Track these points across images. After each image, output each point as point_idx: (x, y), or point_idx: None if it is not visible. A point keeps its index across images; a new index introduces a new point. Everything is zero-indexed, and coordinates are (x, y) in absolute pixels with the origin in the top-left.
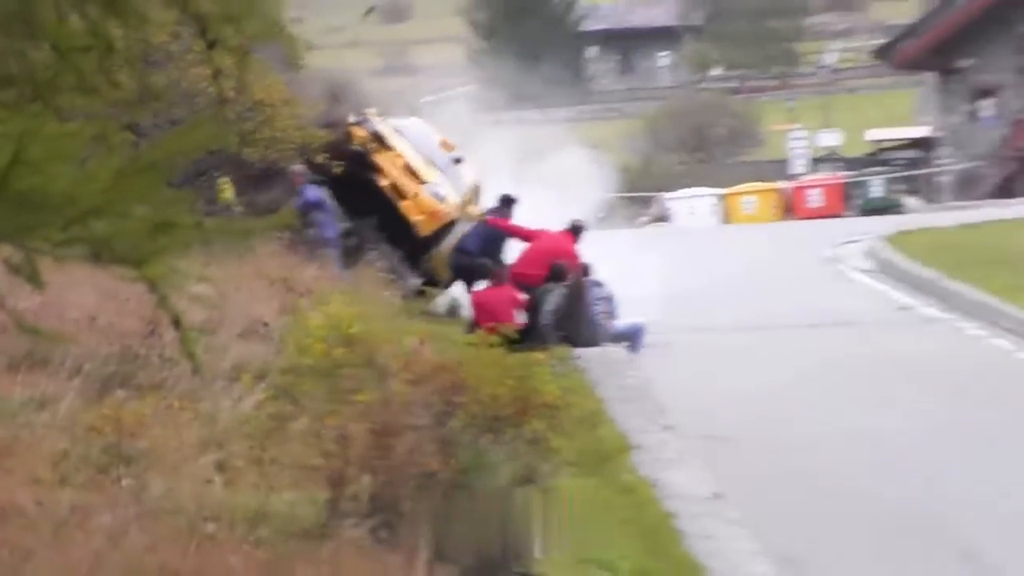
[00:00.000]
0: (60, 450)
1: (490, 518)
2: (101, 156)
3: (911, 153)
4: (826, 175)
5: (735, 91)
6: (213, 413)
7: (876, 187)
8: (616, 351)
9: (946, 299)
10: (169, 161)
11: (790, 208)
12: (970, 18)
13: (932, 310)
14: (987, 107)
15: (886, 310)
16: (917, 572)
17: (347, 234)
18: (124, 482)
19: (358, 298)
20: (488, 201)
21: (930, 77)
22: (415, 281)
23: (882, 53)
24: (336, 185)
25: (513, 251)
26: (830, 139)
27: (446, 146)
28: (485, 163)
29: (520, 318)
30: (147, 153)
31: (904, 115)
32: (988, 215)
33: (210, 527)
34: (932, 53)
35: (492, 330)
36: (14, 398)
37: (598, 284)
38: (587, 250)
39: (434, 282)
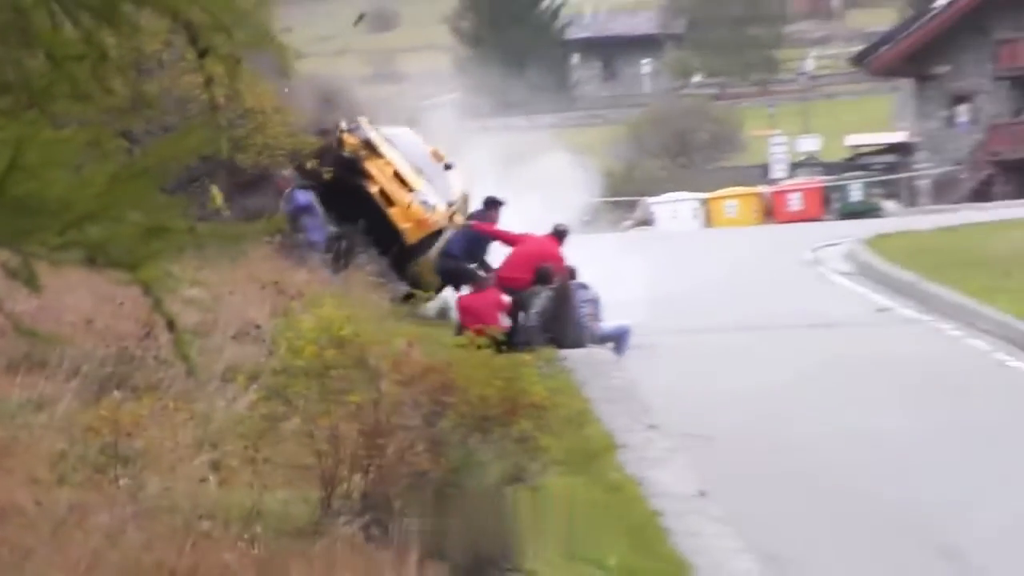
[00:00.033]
0: (58, 450)
1: (480, 516)
2: (96, 162)
3: (889, 158)
4: (806, 180)
5: (716, 97)
6: (208, 414)
7: (855, 191)
8: (602, 353)
9: (924, 301)
10: (162, 167)
11: (771, 212)
12: (946, 26)
13: (910, 312)
14: (963, 113)
15: (866, 312)
16: (899, 569)
17: (336, 238)
18: (121, 482)
19: (348, 301)
20: (476, 208)
21: (907, 83)
22: (402, 287)
23: (860, 60)
24: (326, 190)
25: (498, 254)
26: (809, 144)
27: (436, 156)
28: (472, 169)
29: (505, 321)
30: (141, 159)
31: (882, 120)
32: (965, 218)
33: (205, 525)
34: (909, 60)
35: (479, 332)
36: (12, 399)
37: (584, 287)
38: (572, 254)
39: (420, 287)
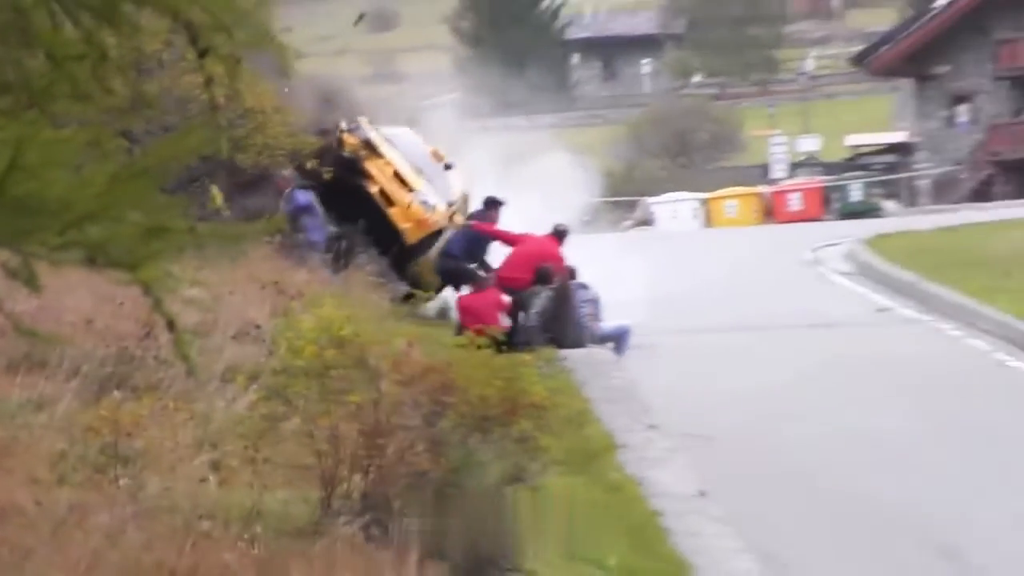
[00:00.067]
0: (58, 450)
1: (480, 516)
2: (96, 162)
3: (889, 158)
4: (806, 180)
5: (716, 97)
6: (208, 414)
7: (855, 191)
8: (602, 352)
9: (924, 301)
10: (162, 167)
11: (771, 212)
12: (946, 26)
13: (911, 312)
14: (963, 113)
15: (866, 312)
16: (898, 569)
17: (336, 238)
18: (121, 481)
19: (348, 301)
20: (476, 207)
21: (907, 83)
22: (402, 287)
23: (860, 60)
24: (326, 190)
25: (498, 254)
26: (809, 144)
27: (436, 156)
28: (472, 169)
29: (505, 321)
30: (141, 159)
31: (882, 120)
32: (965, 218)
33: (205, 525)
34: (909, 60)
35: (479, 332)
36: (13, 399)
37: (584, 287)
38: (572, 254)
39: (420, 287)
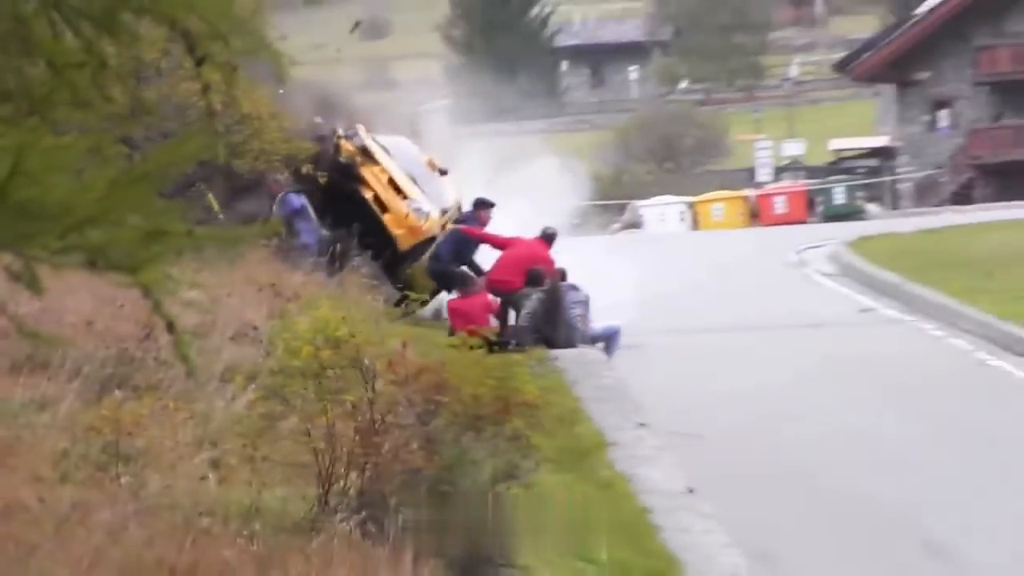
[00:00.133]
0: (61, 449)
1: (474, 513)
2: (96, 168)
3: (872, 162)
4: (790, 183)
5: (702, 103)
6: (207, 413)
7: (838, 194)
8: (593, 352)
9: (907, 301)
10: (161, 172)
11: (756, 215)
12: (927, 33)
13: (894, 312)
14: (944, 117)
15: (850, 312)
16: (888, 566)
17: (331, 242)
18: (123, 480)
19: (344, 303)
20: (465, 210)
21: (889, 89)
22: (395, 290)
23: (843, 66)
24: (322, 195)
25: (487, 257)
26: (794, 148)
27: (431, 165)
28: (463, 173)
29: (493, 323)
30: (140, 164)
31: (864, 125)
32: (946, 221)
33: (205, 522)
34: (891, 66)
35: (472, 333)
36: (16, 399)
37: (574, 288)
38: (562, 256)
39: (413, 290)
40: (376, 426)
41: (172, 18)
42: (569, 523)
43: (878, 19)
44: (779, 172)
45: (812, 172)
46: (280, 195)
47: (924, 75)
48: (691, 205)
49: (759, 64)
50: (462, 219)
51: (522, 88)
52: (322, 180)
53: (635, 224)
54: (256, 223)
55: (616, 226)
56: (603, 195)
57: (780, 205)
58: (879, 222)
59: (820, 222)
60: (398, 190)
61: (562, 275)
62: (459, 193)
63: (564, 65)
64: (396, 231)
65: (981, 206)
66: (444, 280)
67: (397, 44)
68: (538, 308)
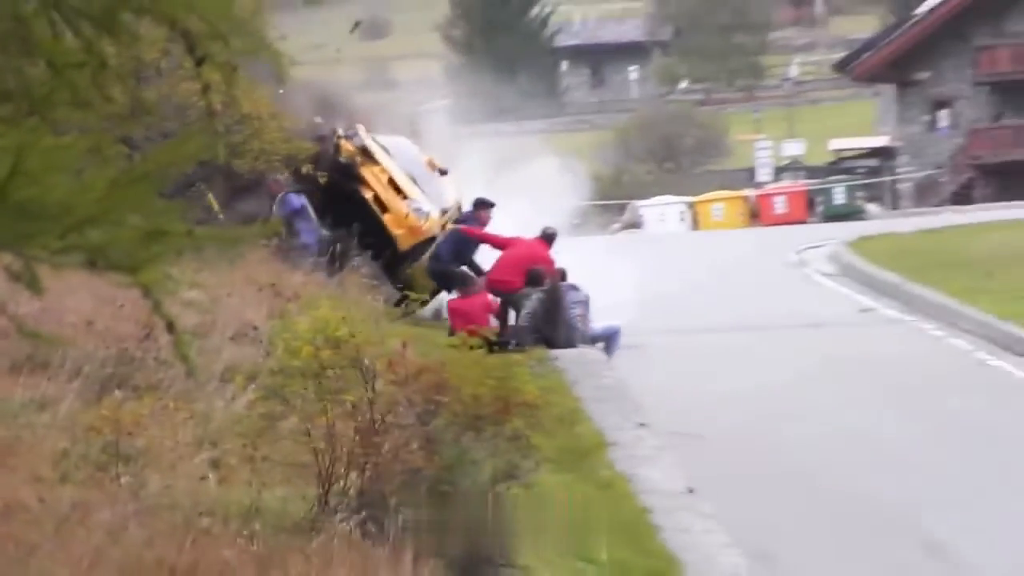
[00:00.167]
0: (61, 449)
1: (474, 513)
2: (96, 168)
3: (871, 162)
4: (790, 183)
5: (702, 103)
6: (207, 413)
7: (839, 194)
8: (593, 353)
9: (907, 301)
10: (161, 172)
11: (756, 215)
12: (927, 33)
13: (894, 312)
14: (943, 117)
15: (850, 312)
16: (886, 565)
17: (331, 242)
18: (123, 479)
19: (344, 302)
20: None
21: (889, 89)
22: (395, 288)
23: (843, 66)
24: (323, 195)
25: (487, 257)
26: (794, 148)
27: (431, 166)
28: (463, 173)
29: (493, 323)
30: (140, 164)
31: (864, 125)
32: (946, 221)
33: (205, 522)
34: (891, 66)
35: (472, 333)
36: (16, 399)
37: (574, 288)
38: (562, 256)
39: (413, 290)
40: (376, 426)
41: (172, 18)
42: (569, 523)
43: (878, 19)
44: (779, 172)
45: (812, 172)
46: (280, 195)
47: (924, 75)
48: (691, 205)
49: (759, 64)
50: (462, 219)
51: (522, 88)
52: (322, 180)
53: (635, 224)
54: (256, 223)
55: (616, 226)
56: (603, 195)
57: (780, 205)
58: (879, 222)
59: (820, 222)
60: (398, 190)
61: (562, 275)
62: (459, 193)
63: (564, 65)
64: (396, 231)
65: (981, 206)
66: (444, 280)
67: (397, 44)
68: (538, 308)
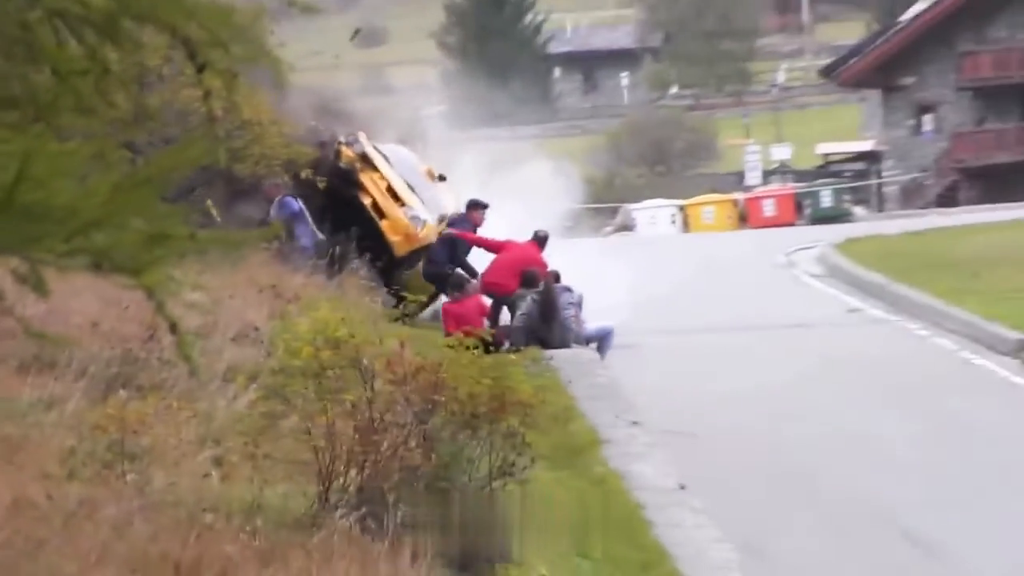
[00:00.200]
0: (68, 447)
1: (470, 509)
2: (100, 172)
3: (858, 165)
4: (779, 186)
5: (692, 108)
6: (210, 412)
7: (826, 197)
8: (586, 352)
9: (893, 302)
10: (164, 177)
11: (746, 217)
12: (911, 39)
13: (880, 312)
14: (928, 122)
15: (838, 313)
16: (870, 557)
17: (328, 245)
18: (128, 477)
19: (343, 304)
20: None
21: (874, 94)
22: (389, 293)
23: (829, 72)
24: (323, 199)
25: (481, 259)
26: (782, 152)
27: (430, 175)
28: (458, 177)
29: (486, 326)
30: (143, 169)
31: (851, 130)
32: (931, 223)
33: (208, 518)
34: (876, 71)
35: (468, 334)
36: (24, 399)
37: (568, 290)
38: (555, 259)
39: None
40: (375, 424)
41: (173, 26)
42: (564, 518)
43: (863, 26)
44: (768, 175)
45: (800, 175)
46: (278, 198)
47: (909, 80)
48: (682, 208)
49: (747, 70)
50: (454, 220)
51: (516, 94)
52: (321, 185)
53: (627, 227)
54: (256, 226)
55: (609, 229)
56: (596, 198)
57: (769, 208)
58: (865, 224)
59: (808, 224)
60: (396, 197)
61: (556, 277)
62: (457, 201)
63: (557, 71)
64: (393, 237)
65: (965, 208)
66: (440, 282)
67: (393, 51)
68: (533, 309)
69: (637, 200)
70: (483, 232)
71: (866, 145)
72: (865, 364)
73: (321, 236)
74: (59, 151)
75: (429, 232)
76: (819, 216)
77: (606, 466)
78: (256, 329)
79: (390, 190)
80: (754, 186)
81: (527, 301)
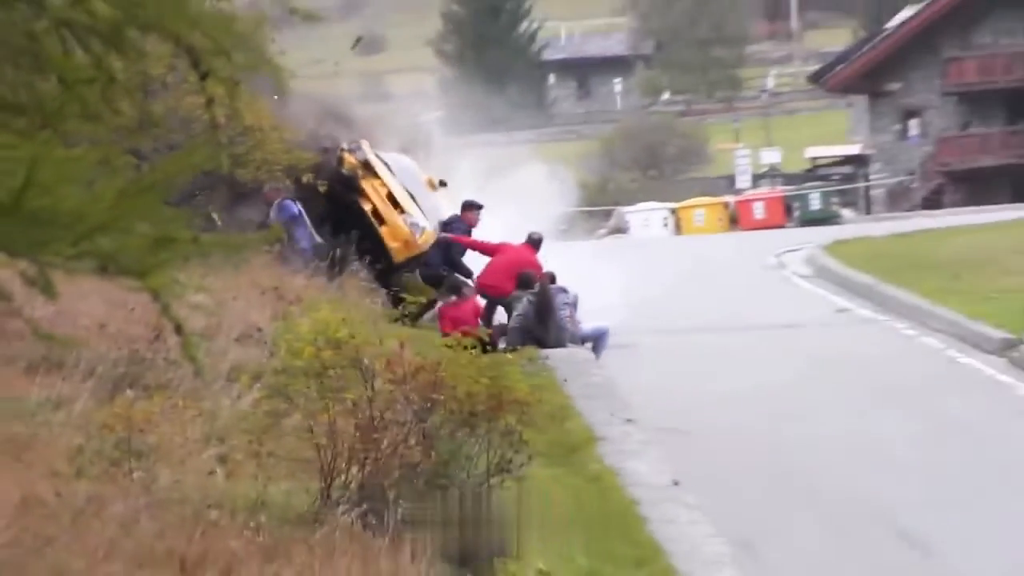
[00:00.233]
0: (76, 445)
1: (468, 505)
2: (106, 178)
3: (846, 169)
4: (768, 189)
5: (683, 114)
6: (214, 411)
7: (814, 200)
8: (582, 352)
9: (880, 302)
10: (168, 182)
11: (736, 220)
12: (897, 45)
13: (868, 312)
14: (914, 126)
15: (827, 313)
16: (860, 553)
17: (327, 248)
18: (135, 474)
19: (344, 305)
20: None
21: (861, 99)
22: (388, 296)
23: (817, 78)
24: (325, 203)
25: (477, 261)
26: (771, 156)
27: (431, 184)
28: (455, 182)
29: (483, 327)
30: (148, 175)
31: (838, 134)
32: (917, 225)
33: (213, 515)
34: (863, 77)
35: (466, 334)
36: (32, 398)
37: (563, 290)
38: (550, 261)
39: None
40: (375, 423)
41: (177, 35)
42: (560, 515)
43: (851, 33)
44: (757, 179)
45: (789, 179)
46: (277, 201)
47: (895, 86)
48: (674, 211)
49: (737, 76)
50: (449, 221)
51: (511, 100)
52: (321, 189)
53: (620, 229)
54: (257, 229)
55: (602, 231)
56: (589, 202)
57: (759, 210)
58: (853, 226)
59: (797, 227)
60: (396, 204)
61: (551, 278)
62: (454, 210)
63: (552, 78)
64: (392, 243)
65: (950, 211)
66: (436, 284)
67: (392, 58)
68: (529, 310)
69: (630, 203)
70: (478, 233)
71: (854, 149)
72: (856, 363)
73: (319, 239)
74: (66, 157)
75: (427, 239)
76: (808, 218)
77: (601, 463)
78: (259, 330)
79: (390, 197)
80: (744, 189)
81: (523, 302)
